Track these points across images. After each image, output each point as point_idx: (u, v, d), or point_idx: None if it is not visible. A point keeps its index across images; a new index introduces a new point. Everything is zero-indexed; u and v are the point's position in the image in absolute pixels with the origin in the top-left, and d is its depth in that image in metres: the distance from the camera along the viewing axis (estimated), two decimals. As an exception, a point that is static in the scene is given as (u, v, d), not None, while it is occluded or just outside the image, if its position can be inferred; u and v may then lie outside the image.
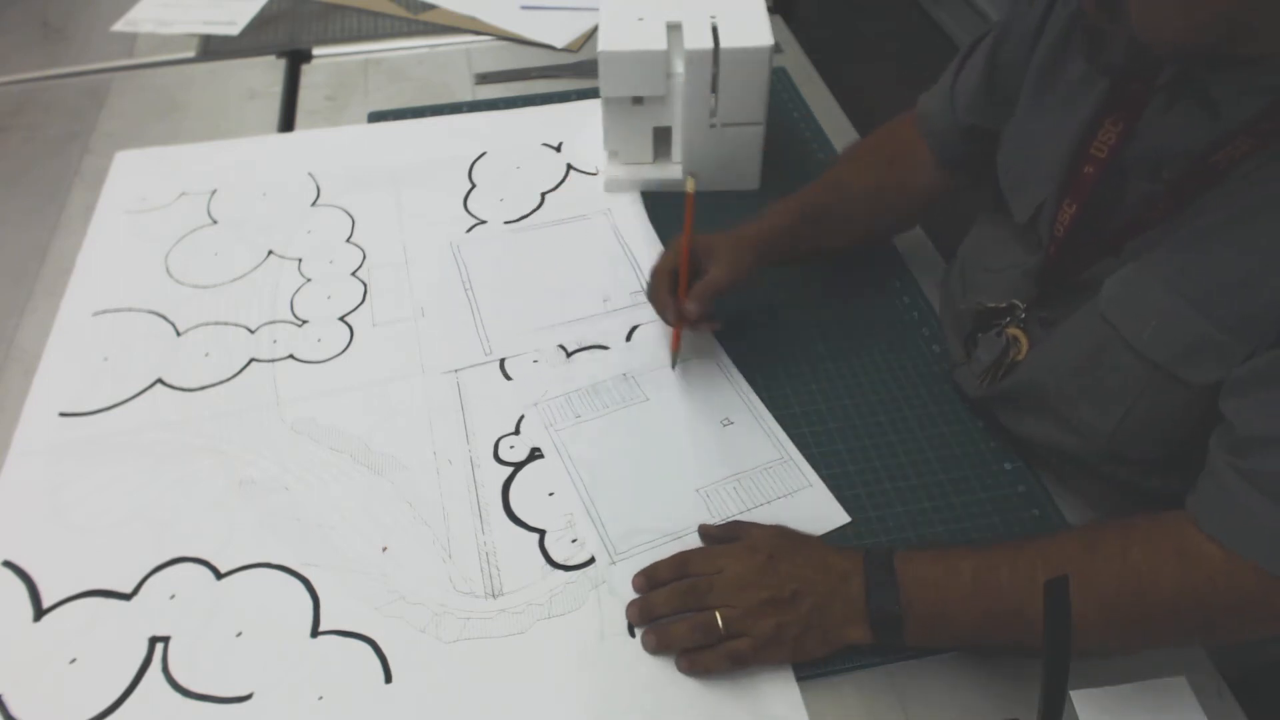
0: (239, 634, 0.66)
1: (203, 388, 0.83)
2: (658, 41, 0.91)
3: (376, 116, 1.14)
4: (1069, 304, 0.67)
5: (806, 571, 0.63)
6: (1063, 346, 0.67)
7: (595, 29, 1.24)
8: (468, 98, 1.17)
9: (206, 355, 0.86)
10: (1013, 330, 0.73)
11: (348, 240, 0.97)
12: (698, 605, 0.64)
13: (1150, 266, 0.61)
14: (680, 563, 0.67)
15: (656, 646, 0.64)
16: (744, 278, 0.79)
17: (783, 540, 0.67)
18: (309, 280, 0.93)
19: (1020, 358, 0.72)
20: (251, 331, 0.88)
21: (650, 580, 0.67)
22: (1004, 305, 0.74)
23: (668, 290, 0.79)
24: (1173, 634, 0.59)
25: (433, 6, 1.32)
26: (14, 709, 0.63)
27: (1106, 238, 0.65)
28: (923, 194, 0.87)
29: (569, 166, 1.05)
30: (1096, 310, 0.63)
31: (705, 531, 0.71)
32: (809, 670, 0.64)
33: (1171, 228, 0.60)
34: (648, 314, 0.88)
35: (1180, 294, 0.58)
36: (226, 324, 0.89)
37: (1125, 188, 0.64)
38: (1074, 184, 0.67)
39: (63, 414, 0.81)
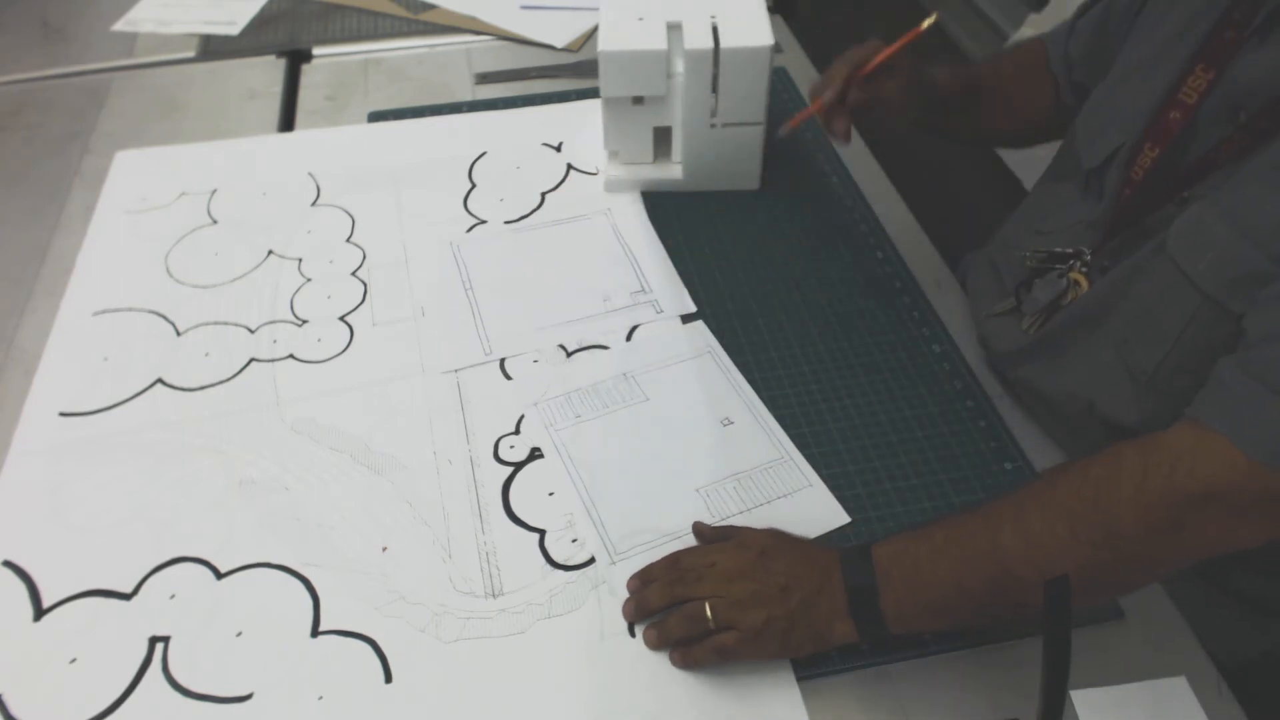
0: (239, 634, 0.66)
1: (203, 388, 0.83)
2: (658, 41, 0.91)
3: (376, 116, 1.14)
4: (1132, 250, 0.68)
5: (795, 568, 0.63)
6: (1123, 280, 0.68)
7: (595, 29, 1.24)
8: (468, 98, 1.17)
9: (206, 355, 0.86)
10: (1075, 275, 0.73)
11: (348, 240, 0.97)
12: (687, 596, 0.64)
13: (1215, 201, 0.61)
14: (673, 561, 0.67)
15: (656, 641, 0.65)
16: (906, 100, 0.85)
17: (773, 539, 0.67)
18: (309, 280, 0.93)
19: (1080, 297, 0.73)
20: (251, 331, 0.88)
21: (644, 579, 0.67)
22: (1070, 251, 0.74)
23: (846, 66, 0.84)
24: (1141, 543, 0.56)
25: (433, 6, 1.32)
26: (14, 709, 0.63)
27: (1175, 181, 0.66)
28: (1042, 113, 0.90)
29: (569, 166, 1.05)
30: (1161, 245, 0.64)
31: (699, 530, 0.71)
32: (809, 670, 0.64)
33: (1239, 167, 0.61)
34: (648, 314, 0.88)
35: (1238, 227, 0.59)
36: (226, 324, 0.89)
37: (1200, 132, 0.65)
38: (1158, 128, 0.67)
39: (63, 414, 0.81)
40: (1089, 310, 0.71)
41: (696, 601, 0.63)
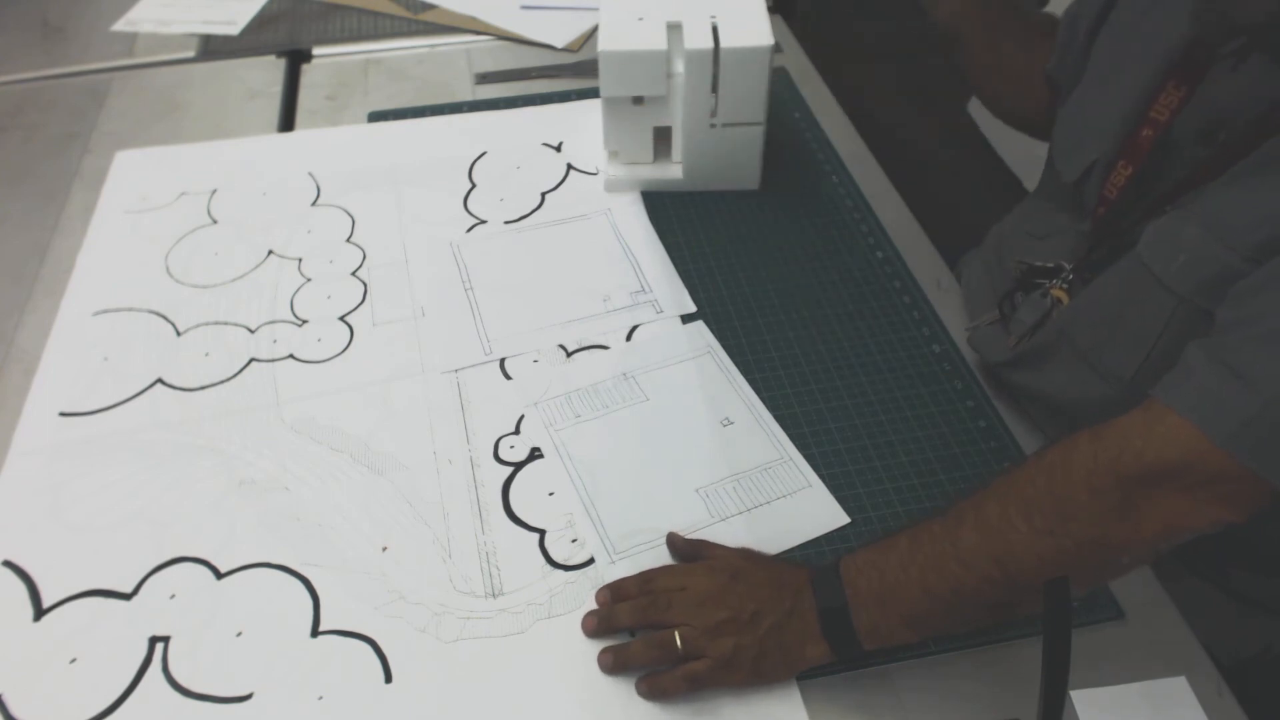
0: (239, 634, 0.66)
1: (203, 388, 0.83)
2: (658, 41, 0.91)
3: (376, 116, 1.14)
4: (1111, 263, 0.68)
5: (765, 590, 0.63)
6: (1099, 290, 0.68)
7: (595, 29, 1.24)
8: (468, 98, 1.17)
9: (206, 355, 0.86)
10: (1057, 291, 0.73)
11: (348, 240, 0.97)
12: (657, 620, 0.63)
13: (1187, 208, 0.61)
14: (645, 579, 0.66)
15: (613, 666, 0.63)
16: None
17: (744, 561, 0.66)
18: (309, 280, 0.93)
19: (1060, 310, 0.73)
20: (251, 331, 0.88)
21: (616, 595, 0.66)
22: (1050, 265, 0.74)
23: None
24: (1094, 525, 0.54)
25: (433, 6, 1.32)
26: (14, 709, 0.63)
27: (1154, 199, 0.66)
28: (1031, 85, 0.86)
29: (569, 166, 1.05)
30: (1135, 254, 0.64)
31: (671, 541, 0.70)
32: (809, 670, 0.63)
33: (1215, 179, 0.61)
34: (648, 314, 0.88)
35: (1209, 228, 0.59)
36: (226, 324, 0.89)
37: (1176, 151, 0.65)
38: (1130, 146, 0.67)
39: (63, 414, 0.81)
40: (1066, 323, 0.71)
41: (666, 630, 0.62)
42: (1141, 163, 0.66)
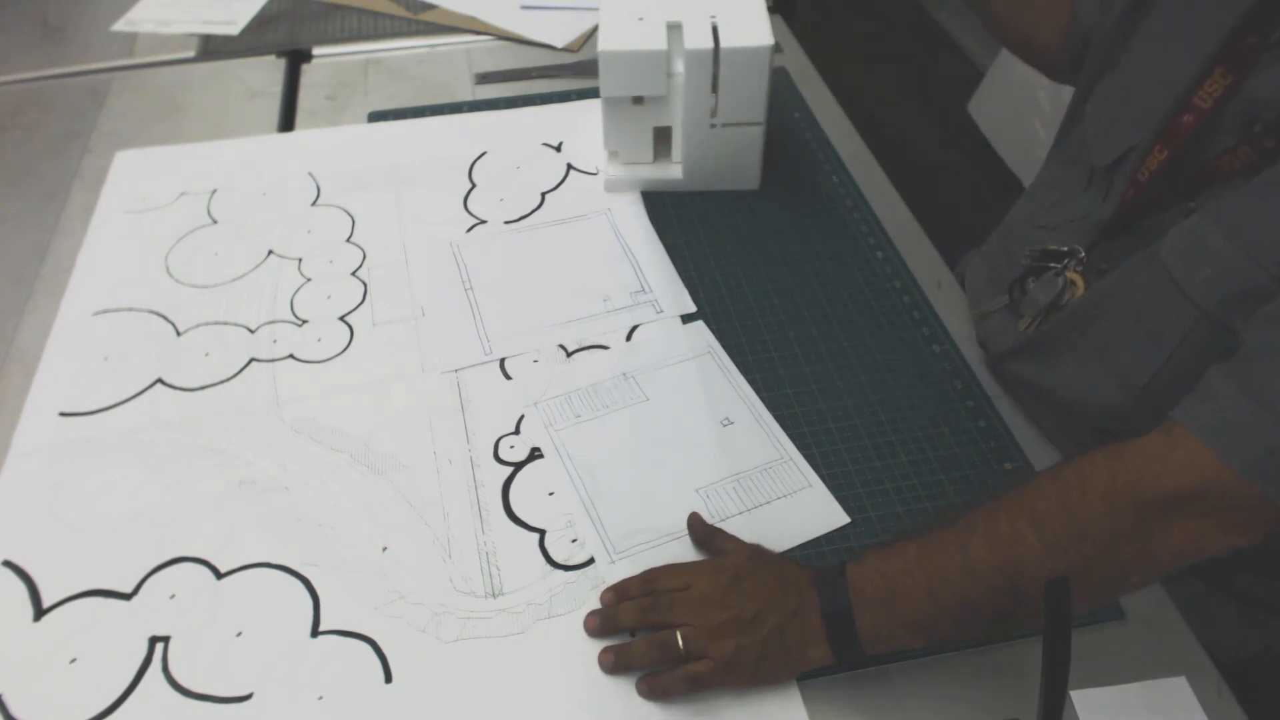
0: (239, 634, 0.66)
1: (203, 388, 0.83)
2: (658, 41, 0.91)
3: (376, 116, 1.14)
4: (1130, 254, 0.67)
5: (768, 591, 0.63)
6: (1117, 286, 0.68)
7: (595, 29, 1.24)
8: (468, 98, 1.17)
9: (206, 355, 0.86)
10: (1071, 274, 0.73)
11: (348, 240, 0.97)
12: (659, 621, 0.63)
13: (1213, 214, 0.61)
14: (649, 578, 0.66)
15: (614, 666, 0.63)
16: None
17: (750, 561, 0.66)
18: (309, 280, 0.93)
19: (1075, 300, 0.72)
20: (251, 331, 0.88)
21: (619, 594, 0.67)
22: (1064, 248, 0.74)
23: None
24: (1107, 545, 0.54)
25: (433, 6, 1.32)
26: (14, 709, 0.63)
27: (1181, 186, 0.65)
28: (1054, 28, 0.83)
29: (569, 166, 1.05)
30: (1156, 254, 0.64)
31: (692, 522, 0.71)
32: (809, 670, 0.63)
33: (1244, 181, 0.60)
34: (648, 314, 0.88)
35: (1237, 242, 0.58)
36: (226, 324, 0.89)
37: (1211, 140, 0.64)
38: (1169, 130, 0.66)
39: (63, 414, 0.81)
40: (1082, 314, 0.71)
41: (667, 630, 0.62)
42: (1179, 148, 0.66)
